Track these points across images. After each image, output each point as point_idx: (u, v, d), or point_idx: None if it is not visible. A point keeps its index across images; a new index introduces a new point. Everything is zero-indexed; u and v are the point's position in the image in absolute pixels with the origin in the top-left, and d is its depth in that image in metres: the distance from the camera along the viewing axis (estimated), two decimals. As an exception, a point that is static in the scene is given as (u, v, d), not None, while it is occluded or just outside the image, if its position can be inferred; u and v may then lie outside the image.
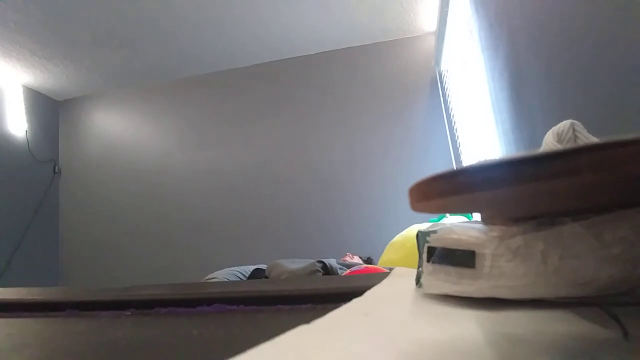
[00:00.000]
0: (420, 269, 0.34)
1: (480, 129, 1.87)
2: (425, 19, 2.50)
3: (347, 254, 2.15)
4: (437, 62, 2.52)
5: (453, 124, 2.49)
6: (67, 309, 0.46)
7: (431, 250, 0.32)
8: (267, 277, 1.43)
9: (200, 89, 3.01)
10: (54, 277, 2.92)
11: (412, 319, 0.29)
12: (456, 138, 2.47)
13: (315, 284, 0.54)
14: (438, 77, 2.59)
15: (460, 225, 0.31)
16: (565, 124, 0.34)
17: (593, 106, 0.74)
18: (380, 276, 0.46)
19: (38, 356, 0.30)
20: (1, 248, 2.56)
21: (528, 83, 1.04)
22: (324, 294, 0.42)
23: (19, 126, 2.82)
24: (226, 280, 1.29)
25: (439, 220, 1.38)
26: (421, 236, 0.34)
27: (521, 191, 0.18)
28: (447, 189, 0.20)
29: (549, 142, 0.35)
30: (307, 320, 0.24)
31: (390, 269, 0.53)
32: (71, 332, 0.38)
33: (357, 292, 0.34)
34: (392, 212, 2.10)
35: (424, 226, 0.35)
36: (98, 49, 2.53)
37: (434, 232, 0.32)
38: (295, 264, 1.46)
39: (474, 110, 1.96)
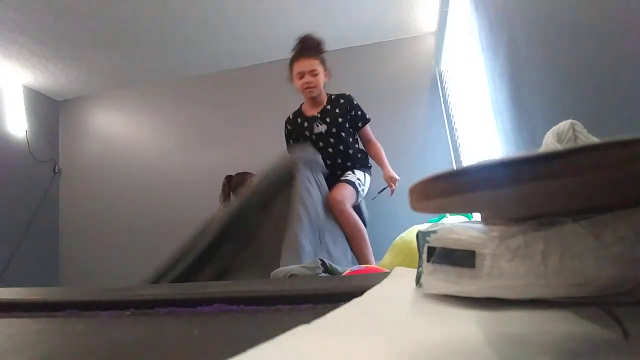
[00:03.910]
0: (420, 269, 0.34)
1: (480, 129, 1.87)
2: (425, 19, 2.49)
3: None
4: (437, 62, 2.52)
5: (453, 124, 2.49)
6: (67, 309, 0.46)
7: (431, 250, 0.32)
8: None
9: (201, 88, 3.00)
10: (54, 277, 2.92)
11: (412, 319, 0.29)
12: (456, 138, 2.46)
13: (315, 284, 0.54)
14: (438, 77, 2.59)
15: (460, 225, 0.31)
16: (565, 124, 0.34)
17: (593, 106, 0.74)
18: (380, 276, 0.45)
19: (38, 356, 0.30)
20: (1, 248, 2.56)
21: (528, 83, 1.04)
22: (324, 294, 0.42)
23: (19, 126, 2.82)
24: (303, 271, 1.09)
25: (439, 220, 1.38)
26: (421, 236, 0.34)
27: (521, 191, 0.18)
28: (447, 189, 0.20)
29: (549, 142, 0.35)
30: (307, 320, 0.24)
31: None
32: (71, 332, 0.38)
33: (357, 292, 0.34)
34: (392, 212, 2.10)
35: (424, 226, 0.35)
36: (98, 49, 2.53)
37: (434, 232, 0.32)
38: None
39: (474, 110, 1.96)
